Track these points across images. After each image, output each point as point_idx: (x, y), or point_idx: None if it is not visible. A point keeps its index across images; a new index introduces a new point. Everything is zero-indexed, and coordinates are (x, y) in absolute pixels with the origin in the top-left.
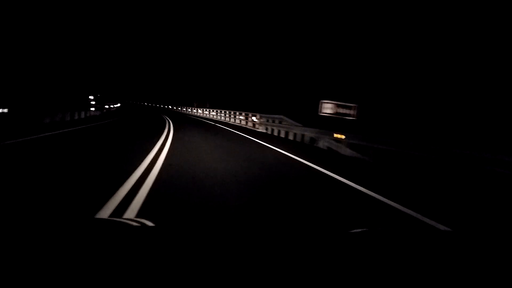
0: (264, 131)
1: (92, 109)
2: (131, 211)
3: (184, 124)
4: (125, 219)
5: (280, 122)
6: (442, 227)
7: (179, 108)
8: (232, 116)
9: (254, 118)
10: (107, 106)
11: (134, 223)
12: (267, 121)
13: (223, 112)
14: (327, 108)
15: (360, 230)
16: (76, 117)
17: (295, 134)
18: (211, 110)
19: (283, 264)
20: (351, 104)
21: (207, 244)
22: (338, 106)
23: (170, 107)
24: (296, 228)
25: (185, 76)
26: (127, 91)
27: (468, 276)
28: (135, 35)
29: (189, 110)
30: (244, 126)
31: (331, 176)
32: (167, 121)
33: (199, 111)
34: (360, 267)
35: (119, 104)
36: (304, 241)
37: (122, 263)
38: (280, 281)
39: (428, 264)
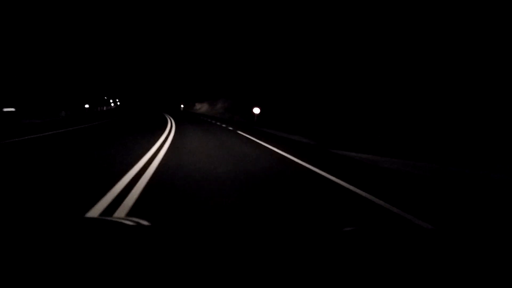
0: None
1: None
2: None
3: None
4: (119, 218)
5: None
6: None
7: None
8: None
9: None
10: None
11: (130, 223)
12: None
13: None
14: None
15: (351, 228)
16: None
17: None
18: None
19: (281, 261)
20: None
21: (206, 244)
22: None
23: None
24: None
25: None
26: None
27: (456, 274)
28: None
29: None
30: None
31: None
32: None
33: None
34: (355, 266)
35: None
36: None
37: (121, 263)
38: (276, 278)
39: (410, 261)
